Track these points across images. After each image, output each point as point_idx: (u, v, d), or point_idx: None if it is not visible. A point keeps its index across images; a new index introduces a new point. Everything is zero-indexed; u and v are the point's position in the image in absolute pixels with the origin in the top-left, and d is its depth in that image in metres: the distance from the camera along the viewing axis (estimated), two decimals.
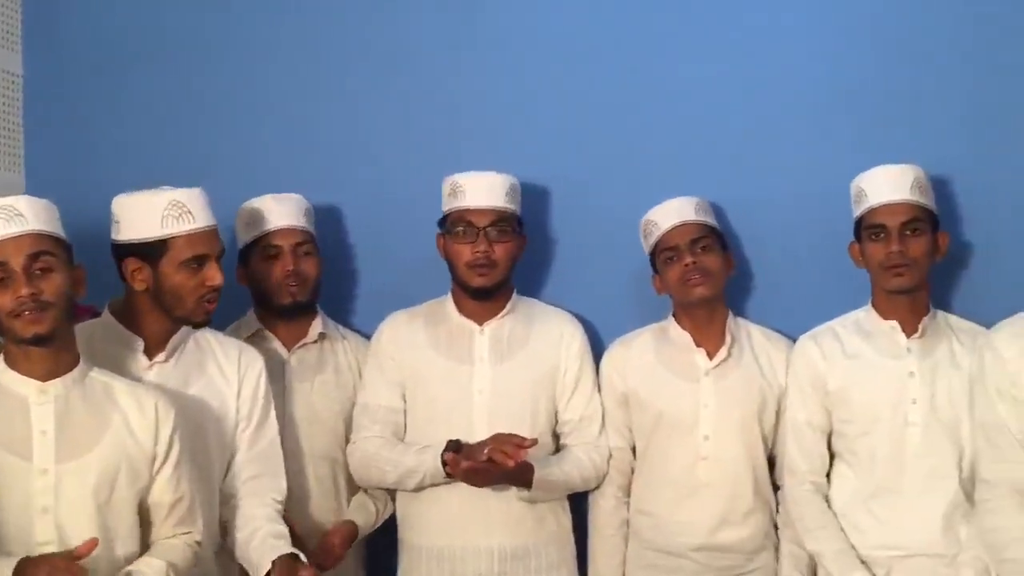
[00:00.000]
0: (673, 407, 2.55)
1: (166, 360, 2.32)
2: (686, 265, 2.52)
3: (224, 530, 2.36)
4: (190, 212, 2.24)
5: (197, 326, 2.34)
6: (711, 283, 2.54)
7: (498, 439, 2.41)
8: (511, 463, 2.36)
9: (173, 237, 2.23)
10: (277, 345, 2.66)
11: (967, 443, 2.38)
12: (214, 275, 2.27)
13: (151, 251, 2.24)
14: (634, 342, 2.66)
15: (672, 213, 2.58)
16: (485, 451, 2.40)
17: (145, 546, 2.16)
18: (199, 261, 2.25)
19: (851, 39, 2.73)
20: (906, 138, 2.65)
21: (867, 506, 2.43)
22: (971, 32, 2.66)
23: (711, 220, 2.60)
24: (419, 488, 2.55)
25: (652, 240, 2.61)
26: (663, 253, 2.57)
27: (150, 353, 2.31)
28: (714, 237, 2.58)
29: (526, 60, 2.89)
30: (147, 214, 2.24)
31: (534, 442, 2.40)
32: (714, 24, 2.80)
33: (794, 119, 2.75)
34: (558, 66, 2.87)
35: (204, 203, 2.29)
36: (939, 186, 2.56)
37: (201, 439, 2.30)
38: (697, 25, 2.81)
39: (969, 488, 2.36)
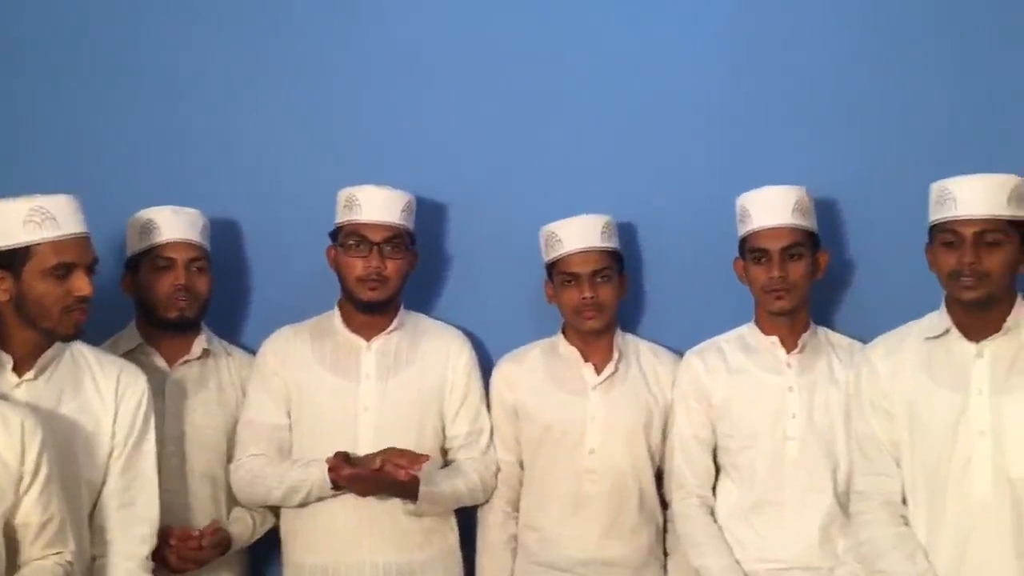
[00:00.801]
0: (560, 420, 2.56)
1: (35, 377, 2.22)
2: (583, 298, 2.54)
3: (93, 562, 2.26)
4: (54, 218, 2.16)
5: (66, 340, 2.24)
6: (604, 316, 2.56)
7: (391, 452, 2.40)
8: (402, 474, 2.35)
9: (36, 244, 2.15)
10: (158, 360, 2.59)
11: (843, 457, 2.43)
12: (82, 285, 2.17)
13: (13, 259, 2.15)
14: (524, 357, 2.67)
15: (578, 235, 2.58)
16: (377, 461, 2.38)
17: (14, 568, 2.07)
18: (65, 270, 2.16)
19: (742, 58, 2.78)
20: (792, 156, 2.72)
21: (748, 520, 2.46)
22: (855, 54, 2.73)
23: (613, 243, 2.61)
24: (305, 503, 2.51)
25: (553, 255, 2.61)
26: (561, 275, 2.59)
27: (19, 370, 2.22)
28: (614, 264, 2.60)
29: (421, 74, 2.88)
30: (8, 221, 2.15)
31: (427, 458, 2.40)
32: (609, 40, 2.83)
33: (686, 135, 2.79)
34: (453, 80, 2.87)
35: (72, 210, 2.21)
36: (823, 204, 2.63)
37: (70, 463, 2.20)
38: (592, 41, 2.84)
39: (845, 501, 2.41)
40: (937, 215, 2.27)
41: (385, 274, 2.55)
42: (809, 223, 2.50)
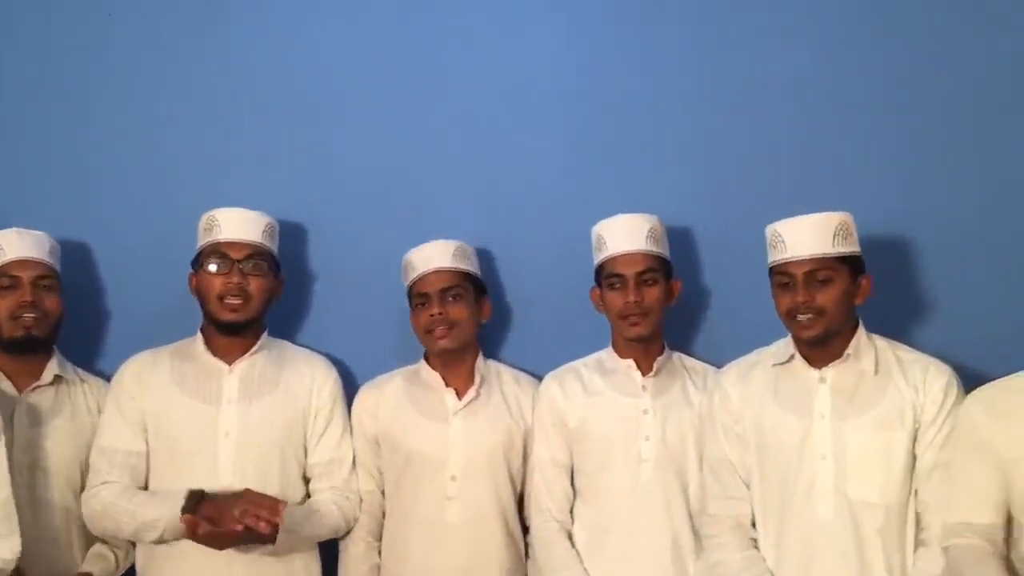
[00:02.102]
0: (422, 447, 2.56)
1: None
2: (431, 315, 2.56)
3: None
4: None
5: None
6: (455, 334, 2.57)
7: (250, 500, 2.37)
8: (265, 527, 2.33)
9: None
10: (7, 386, 2.51)
11: (696, 479, 2.48)
12: None
13: None
14: (385, 385, 2.67)
15: (428, 257, 2.61)
16: (237, 513, 2.34)
17: None
18: None
19: (600, 90, 2.84)
20: (647, 187, 2.78)
21: (601, 543, 2.50)
22: (710, 87, 2.80)
23: (467, 266, 2.64)
24: (159, 542, 2.46)
25: (407, 281, 2.64)
26: (417, 297, 2.61)
27: None
28: (468, 285, 2.62)
29: (283, 100, 2.87)
30: None
31: (285, 504, 2.39)
32: (471, 69, 2.87)
33: (547, 164, 2.84)
34: (316, 106, 2.88)
35: None
36: (678, 233, 2.70)
37: None
38: (455, 70, 2.87)
39: (698, 523, 2.47)
40: (772, 258, 2.36)
41: (248, 291, 2.54)
42: (662, 250, 2.57)
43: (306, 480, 2.62)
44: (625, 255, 2.51)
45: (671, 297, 2.58)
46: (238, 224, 2.56)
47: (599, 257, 2.57)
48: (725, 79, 2.80)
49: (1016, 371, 2.22)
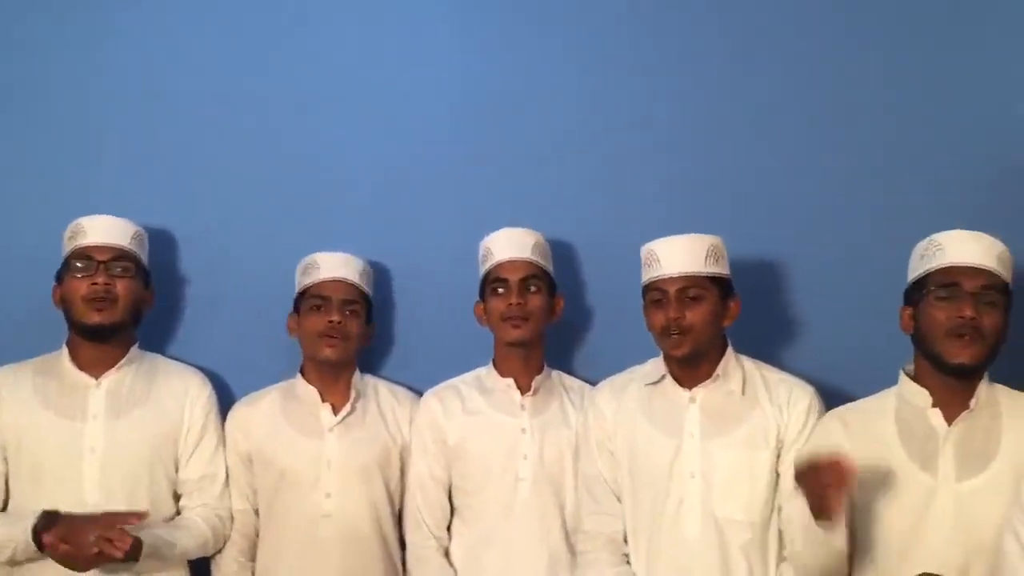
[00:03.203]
0: (296, 464, 2.53)
1: None
2: (329, 322, 2.54)
3: None
4: None
5: None
6: (345, 346, 2.56)
7: (107, 521, 2.30)
8: (119, 554, 2.26)
9: None
10: None
11: (572, 497, 2.50)
12: None
13: None
14: (260, 400, 2.63)
15: (333, 265, 2.59)
16: (91, 538, 2.27)
17: None
18: None
19: (489, 109, 2.84)
20: (534, 206, 2.79)
21: (479, 560, 2.50)
22: (592, 104, 2.83)
23: (364, 285, 2.62)
24: (12, 562, 2.37)
25: (302, 285, 2.61)
26: (311, 300, 2.58)
27: None
28: (363, 304, 2.61)
29: (160, 107, 2.82)
30: None
31: (146, 514, 2.33)
32: (361, 82, 2.85)
33: (426, 180, 2.83)
34: (196, 114, 2.82)
35: None
36: (561, 251, 2.72)
37: None
38: (339, 81, 2.85)
39: (574, 540, 2.48)
40: (645, 276, 2.40)
41: (114, 292, 2.48)
42: (547, 263, 2.59)
43: (177, 497, 2.56)
44: (510, 261, 2.54)
45: (554, 313, 2.60)
46: (104, 229, 2.52)
47: (485, 267, 2.58)
48: (612, 100, 2.83)
49: (876, 392, 2.30)
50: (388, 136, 2.84)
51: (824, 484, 1.99)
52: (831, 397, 2.42)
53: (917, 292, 2.19)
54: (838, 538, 2.07)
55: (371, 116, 2.84)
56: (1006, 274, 2.17)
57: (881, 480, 2.15)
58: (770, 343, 2.70)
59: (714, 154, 2.80)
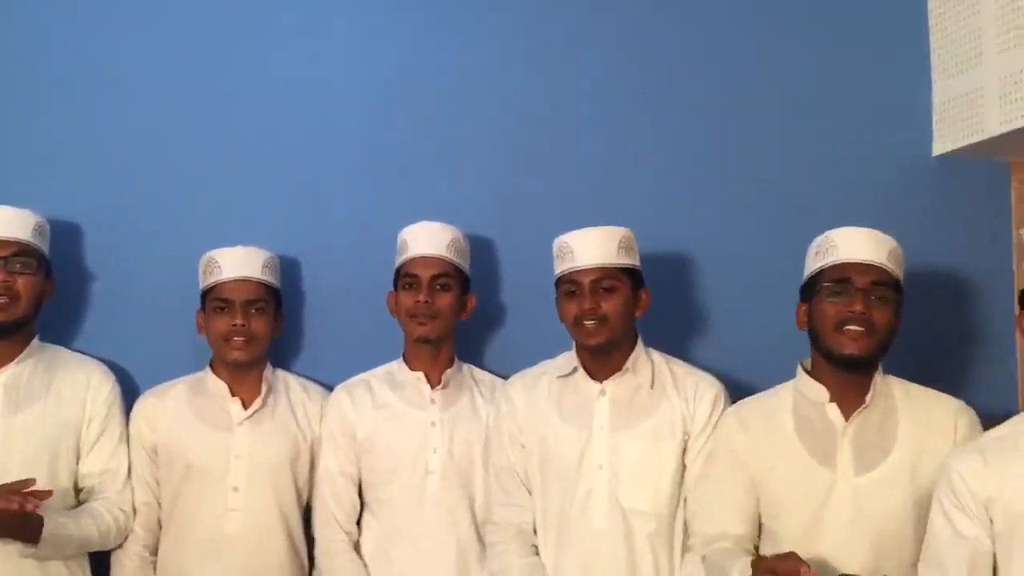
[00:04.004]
0: (203, 458, 2.50)
1: None
2: (233, 325, 2.51)
3: None
4: None
5: None
6: (252, 347, 2.53)
7: (5, 490, 2.22)
8: (15, 505, 2.17)
9: None
10: None
11: (481, 490, 2.52)
12: None
13: None
14: (167, 392, 2.58)
15: (233, 264, 2.54)
16: None
17: None
18: None
19: (401, 97, 2.84)
20: (446, 196, 2.80)
21: (388, 554, 2.50)
22: (505, 99, 2.85)
23: (270, 278, 2.58)
24: None
25: (205, 284, 2.57)
26: (214, 302, 2.54)
27: None
28: (270, 300, 2.57)
29: (67, 94, 2.75)
30: None
31: (48, 493, 2.24)
32: (269, 71, 2.82)
33: (337, 171, 2.82)
34: (105, 101, 2.76)
35: None
36: (474, 244, 2.72)
37: None
38: (251, 72, 2.81)
39: (482, 532, 2.50)
40: (559, 268, 2.42)
41: (15, 289, 2.41)
42: (462, 262, 2.59)
43: (79, 491, 2.51)
44: (423, 257, 2.53)
45: (464, 310, 2.61)
46: (4, 221, 2.44)
47: (399, 258, 2.58)
48: (523, 94, 2.86)
49: (781, 383, 2.34)
50: (298, 127, 2.82)
51: None
52: (738, 390, 2.48)
53: (811, 289, 2.24)
54: None
55: (280, 107, 2.82)
56: (897, 270, 2.23)
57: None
58: (679, 337, 2.76)
59: (624, 150, 2.85)
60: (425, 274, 2.53)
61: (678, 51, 2.89)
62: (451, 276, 2.55)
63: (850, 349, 2.15)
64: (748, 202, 2.86)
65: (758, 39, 2.92)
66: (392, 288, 2.61)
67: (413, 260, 2.55)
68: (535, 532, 2.45)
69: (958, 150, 2.87)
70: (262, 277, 2.56)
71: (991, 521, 1.94)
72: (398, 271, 2.59)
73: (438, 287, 2.53)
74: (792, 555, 1.92)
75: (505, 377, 2.63)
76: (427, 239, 2.56)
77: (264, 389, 2.57)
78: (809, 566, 1.88)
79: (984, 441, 2.03)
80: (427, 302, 2.51)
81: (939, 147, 2.93)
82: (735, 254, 2.83)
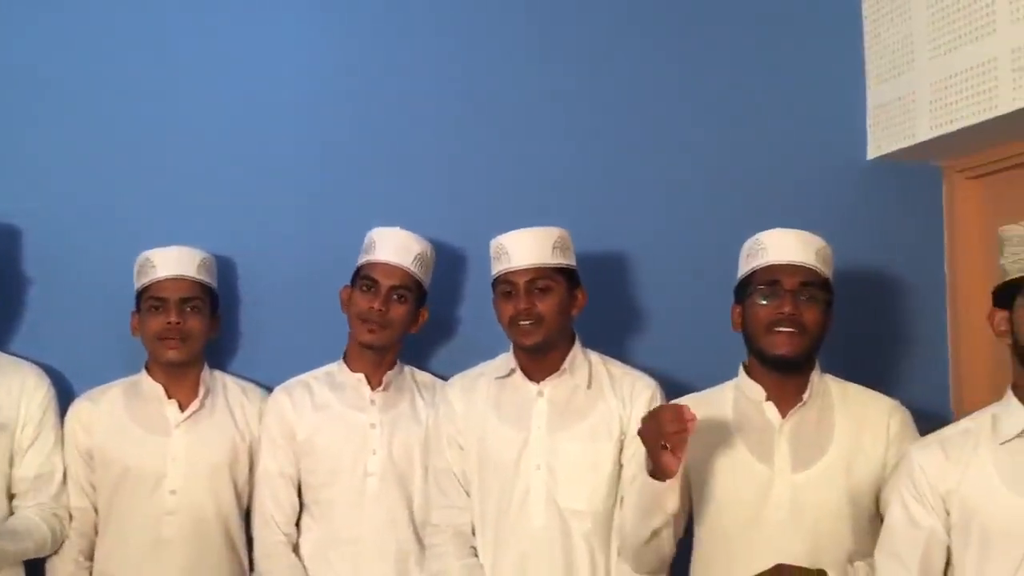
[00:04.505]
0: (139, 462, 2.48)
1: None
2: (168, 324, 2.49)
3: None
4: None
5: None
6: (187, 346, 2.51)
7: None
8: None
9: None
10: None
11: (420, 492, 2.52)
12: None
13: None
14: (102, 396, 2.56)
15: (168, 262, 2.52)
16: None
17: None
18: None
19: (346, 98, 2.83)
20: (384, 196, 2.80)
21: (327, 556, 2.50)
22: (440, 98, 2.86)
23: (205, 278, 2.57)
24: None
25: (140, 284, 2.54)
26: (148, 300, 2.52)
27: None
28: (206, 299, 2.56)
29: (8, 99, 2.71)
30: None
31: None
32: (212, 71, 2.80)
33: (276, 173, 2.80)
34: (38, 101, 2.72)
35: None
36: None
37: None
38: (194, 71, 2.79)
39: (422, 534, 2.50)
40: (495, 269, 2.44)
41: None
42: (424, 276, 2.58)
43: (11, 496, 2.47)
44: (387, 265, 2.52)
45: (415, 324, 2.60)
46: None
47: (363, 257, 2.57)
48: (464, 97, 2.87)
49: (717, 383, 2.38)
50: (237, 128, 2.80)
51: (665, 432, 2.02)
52: (675, 389, 2.50)
53: (743, 291, 2.28)
54: (671, 500, 2.08)
55: (220, 108, 2.80)
56: (826, 270, 2.26)
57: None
58: (617, 337, 2.78)
59: (562, 150, 2.88)
60: (385, 282, 2.52)
61: (618, 52, 2.93)
62: (410, 289, 2.55)
63: (781, 350, 2.19)
64: (686, 203, 2.90)
65: (696, 41, 2.96)
66: (347, 283, 2.59)
67: (376, 264, 2.54)
68: (473, 533, 2.45)
69: (891, 153, 2.93)
70: (197, 276, 2.54)
71: (948, 513, 1.98)
72: (359, 269, 2.57)
73: (395, 297, 2.53)
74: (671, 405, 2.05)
75: (447, 378, 2.63)
76: (395, 247, 2.55)
77: (201, 391, 2.55)
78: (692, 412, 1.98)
79: (947, 434, 2.07)
80: (381, 311, 2.50)
81: (873, 150, 3.00)
82: (673, 254, 2.87)
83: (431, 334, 2.83)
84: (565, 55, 2.91)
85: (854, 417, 2.24)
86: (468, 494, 2.46)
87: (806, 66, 2.99)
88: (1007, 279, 1.98)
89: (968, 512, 1.95)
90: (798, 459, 2.20)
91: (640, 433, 2.09)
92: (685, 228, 2.88)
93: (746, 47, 2.97)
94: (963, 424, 2.07)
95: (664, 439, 2.03)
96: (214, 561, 2.50)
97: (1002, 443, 1.95)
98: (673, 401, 2.37)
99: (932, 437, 2.10)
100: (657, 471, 2.07)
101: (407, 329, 2.58)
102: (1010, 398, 1.99)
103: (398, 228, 2.58)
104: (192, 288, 2.52)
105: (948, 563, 2.00)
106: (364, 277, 2.54)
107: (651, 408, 2.37)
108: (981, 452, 1.97)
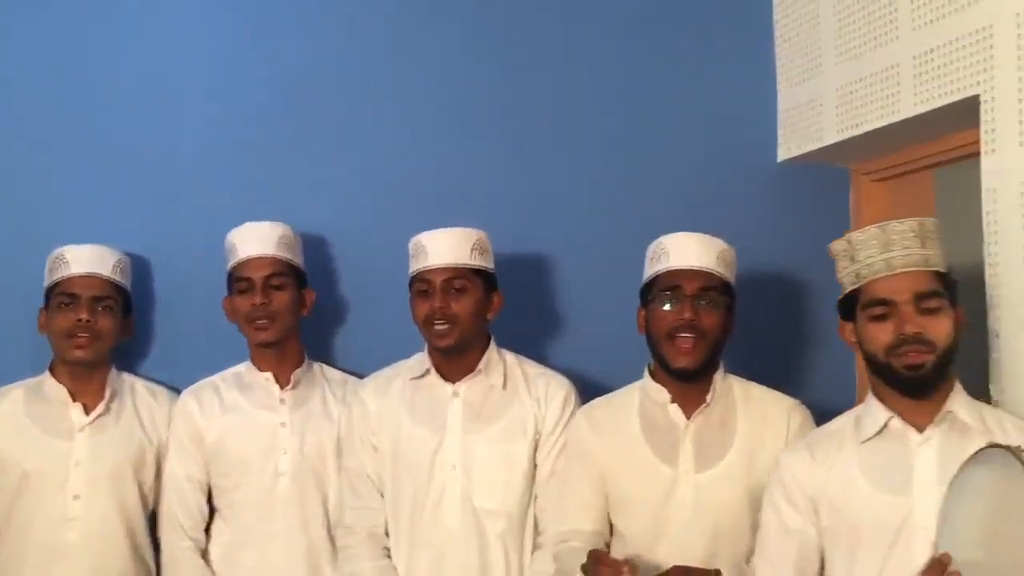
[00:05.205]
0: (41, 466, 2.41)
1: None
2: (78, 321, 2.43)
3: None
4: None
5: None
6: (96, 346, 2.46)
7: None
8: None
9: None
10: None
11: (333, 491, 2.49)
12: None
13: None
14: (3, 398, 2.49)
15: (82, 259, 2.47)
16: None
17: None
18: None
19: (248, 98, 2.79)
20: (295, 194, 2.77)
21: (238, 558, 2.46)
22: (352, 96, 2.84)
23: (119, 278, 2.51)
24: None
25: (50, 280, 2.48)
26: (59, 297, 2.46)
27: None
28: (118, 299, 2.50)
29: None
30: None
31: None
32: (111, 64, 2.74)
33: (187, 170, 2.76)
34: None
35: None
36: (316, 243, 2.71)
37: None
38: (92, 63, 2.73)
39: (334, 534, 2.48)
40: (413, 267, 2.42)
41: None
42: (294, 257, 2.56)
43: None
44: (253, 259, 2.49)
45: (304, 306, 2.57)
46: None
47: (230, 263, 2.54)
48: (377, 95, 2.85)
49: (631, 383, 2.37)
50: (148, 125, 2.75)
51: None
52: (590, 389, 2.51)
53: (647, 294, 2.29)
54: None
55: (130, 105, 2.74)
56: (727, 273, 2.29)
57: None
58: (532, 337, 2.79)
59: (476, 150, 2.87)
60: (258, 276, 2.49)
61: (532, 54, 2.93)
62: (285, 274, 2.52)
63: (681, 363, 2.21)
64: (599, 204, 2.92)
65: (610, 43, 2.98)
66: (228, 291, 2.56)
67: (244, 263, 2.50)
68: (387, 534, 2.43)
69: (801, 156, 2.99)
70: (112, 276, 2.49)
71: (817, 515, 2.02)
72: (230, 275, 2.54)
73: (273, 287, 2.49)
74: (613, 559, 1.97)
75: (360, 376, 2.61)
76: (255, 239, 2.52)
77: (108, 393, 2.49)
78: (634, 566, 1.93)
79: (814, 438, 2.12)
80: (264, 304, 2.47)
81: (783, 153, 3.05)
82: (587, 255, 2.89)
83: (344, 331, 2.81)
84: (482, 56, 2.91)
85: (756, 417, 2.27)
86: (382, 495, 2.44)
87: (719, 69, 3.03)
88: (844, 293, 2.05)
89: (836, 512, 2.00)
90: (702, 460, 2.23)
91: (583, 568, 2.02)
92: (598, 229, 2.90)
93: (659, 50, 3.00)
94: (830, 426, 2.13)
95: None
96: (119, 567, 2.44)
97: (863, 442, 2.01)
98: (581, 409, 2.39)
99: (801, 440, 2.15)
100: None
101: (297, 315, 2.55)
102: (871, 399, 2.05)
103: (249, 222, 2.54)
104: (105, 287, 2.47)
105: (823, 566, 2.04)
106: (237, 279, 2.51)
107: (565, 409, 2.41)
108: (845, 452, 2.02)
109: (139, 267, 2.68)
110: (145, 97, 2.75)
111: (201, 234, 2.72)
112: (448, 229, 2.40)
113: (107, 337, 2.48)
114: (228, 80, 2.80)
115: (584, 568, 2.01)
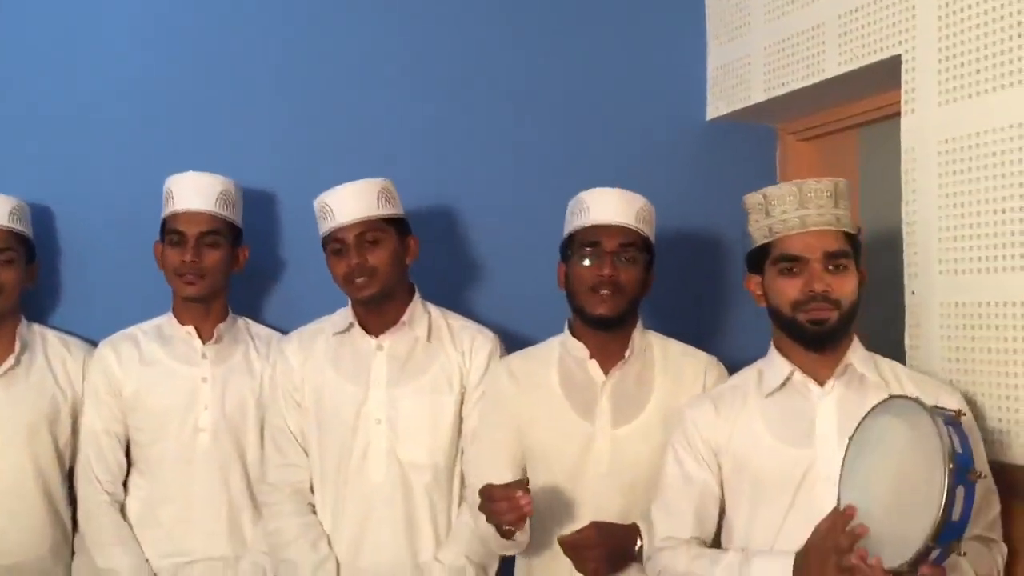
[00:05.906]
0: None
1: None
2: None
3: None
4: None
5: None
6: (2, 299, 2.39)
7: None
8: None
9: None
10: None
11: (254, 447, 2.47)
12: None
13: None
14: None
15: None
16: None
17: None
18: None
19: (174, 46, 2.72)
20: (221, 149, 2.70)
21: (156, 514, 2.43)
22: (278, 46, 2.79)
23: (18, 226, 2.42)
24: None
25: None
26: None
27: None
28: (19, 248, 2.42)
29: None
30: None
31: None
32: (23, 15, 2.63)
33: (104, 119, 2.67)
34: None
35: None
36: (253, 199, 2.65)
37: None
38: (11, 13, 2.62)
39: (257, 491, 2.45)
40: (323, 228, 2.38)
41: None
42: (232, 214, 2.51)
43: None
44: (188, 213, 2.43)
45: (236, 263, 2.53)
46: None
47: (165, 211, 2.47)
48: (298, 46, 2.80)
49: (554, 335, 2.37)
50: (51, 70, 2.64)
51: (500, 515, 2.01)
52: (513, 341, 2.52)
53: (567, 249, 2.28)
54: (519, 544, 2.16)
55: (46, 51, 2.63)
56: (647, 229, 2.29)
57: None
58: (455, 289, 2.78)
59: (399, 102, 2.84)
60: (192, 231, 2.42)
61: (456, 5, 2.89)
62: (220, 233, 2.46)
63: (599, 310, 2.21)
64: (526, 158, 2.91)
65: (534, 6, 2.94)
66: (160, 238, 2.50)
67: (179, 215, 2.43)
68: (312, 491, 2.42)
69: (729, 115, 3.00)
70: (10, 224, 2.40)
71: (720, 467, 2.06)
72: (164, 223, 2.48)
73: (206, 245, 2.44)
74: (503, 486, 2.02)
75: (285, 332, 2.57)
76: (194, 192, 2.45)
77: (18, 346, 2.42)
78: (528, 492, 1.96)
79: (718, 391, 2.15)
80: (194, 262, 2.42)
81: (712, 111, 3.06)
82: (511, 209, 2.87)
83: (270, 287, 2.77)
84: (401, 6, 2.86)
85: (673, 373, 2.29)
86: (306, 452, 2.42)
87: (649, 26, 3.03)
88: (753, 246, 2.07)
89: (739, 464, 2.03)
90: (619, 415, 2.24)
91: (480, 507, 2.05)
92: (525, 183, 2.89)
93: (589, 6, 2.98)
94: (733, 380, 2.16)
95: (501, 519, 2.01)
96: (34, 523, 2.39)
97: (767, 395, 2.04)
98: (502, 360, 2.38)
99: (704, 394, 2.18)
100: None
101: (228, 272, 2.50)
102: (773, 353, 2.08)
103: (192, 172, 2.47)
104: (6, 239, 2.39)
105: (721, 515, 2.07)
106: (170, 231, 2.44)
107: (490, 362, 2.40)
108: (749, 405, 2.06)
109: (44, 216, 2.59)
110: (49, 38, 2.64)
111: (111, 181, 2.65)
112: (351, 183, 2.36)
113: (10, 289, 2.40)
114: (136, 21, 2.71)
115: (481, 508, 2.02)
